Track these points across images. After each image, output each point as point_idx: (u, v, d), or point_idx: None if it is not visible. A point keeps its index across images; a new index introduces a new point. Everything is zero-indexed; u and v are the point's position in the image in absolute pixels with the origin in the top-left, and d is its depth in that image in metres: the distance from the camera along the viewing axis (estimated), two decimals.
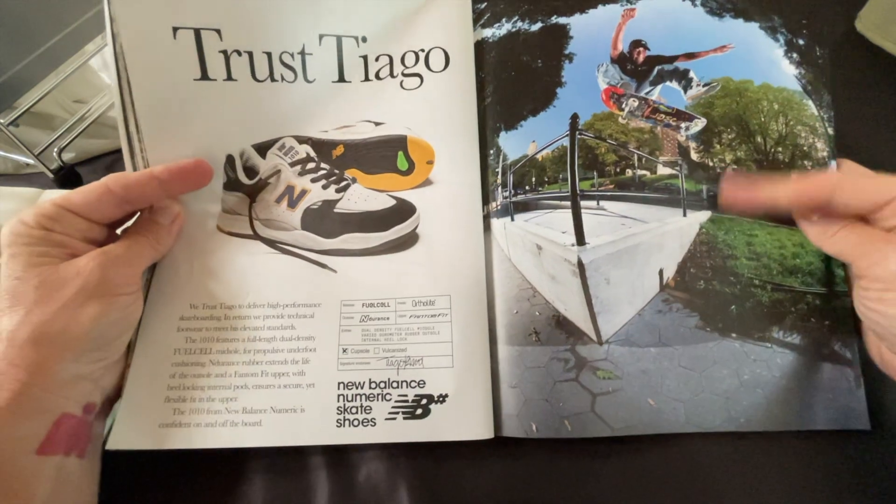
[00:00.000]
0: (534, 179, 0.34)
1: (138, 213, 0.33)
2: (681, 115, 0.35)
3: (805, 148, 0.34)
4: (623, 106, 0.35)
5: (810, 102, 0.34)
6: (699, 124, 0.35)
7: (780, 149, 0.34)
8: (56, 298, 0.26)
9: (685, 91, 0.35)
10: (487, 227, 0.33)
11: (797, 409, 0.30)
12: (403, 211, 0.34)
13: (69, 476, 0.27)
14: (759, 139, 0.34)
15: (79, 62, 0.42)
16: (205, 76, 0.34)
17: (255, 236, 0.34)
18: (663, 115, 0.35)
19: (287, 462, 0.31)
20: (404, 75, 0.36)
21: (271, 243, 0.34)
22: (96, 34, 0.43)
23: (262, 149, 0.35)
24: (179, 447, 0.29)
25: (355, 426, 0.29)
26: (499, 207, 0.33)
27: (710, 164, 0.34)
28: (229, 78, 0.34)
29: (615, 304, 0.32)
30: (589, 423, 0.30)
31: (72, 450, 0.27)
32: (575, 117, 0.34)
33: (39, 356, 0.25)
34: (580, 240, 0.32)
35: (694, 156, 0.34)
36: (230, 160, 0.35)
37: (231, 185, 0.35)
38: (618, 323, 0.32)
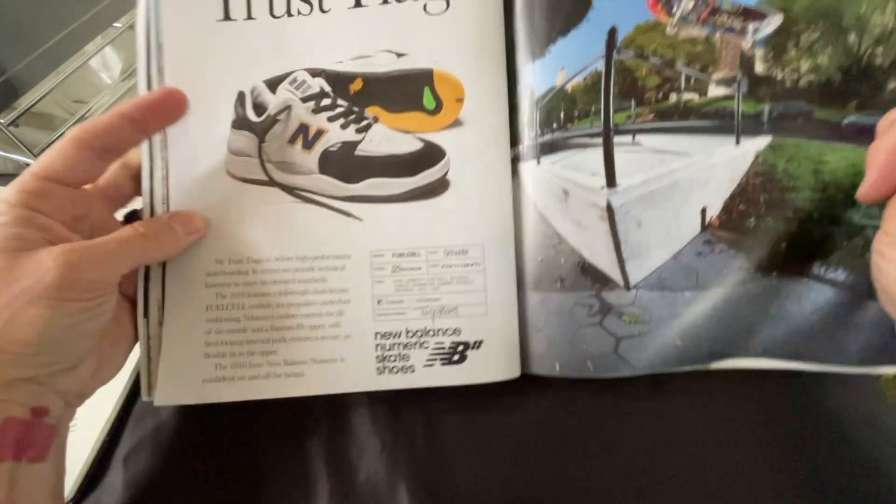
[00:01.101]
0: (562, 115, 0.31)
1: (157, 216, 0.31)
2: (749, 14, 0.28)
3: None
4: (674, 10, 0.29)
5: None
6: (773, 23, 0.28)
7: (879, 49, 0.27)
8: (3, 293, 0.24)
9: None
10: (515, 172, 0.32)
11: (826, 346, 0.29)
12: (432, 155, 0.32)
13: (24, 482, 0.25)
14: (851, 38, 0.28)
15: (79, 62, 0.42)
16: (227, 17, 0.33)
17: (271, 182, 0.33)
18: (726, 17, 0.29)
19: (287, 461, 0.32)
20: None
21: (289, 190, 0.33)
22: (96, 34, 0.42)
23: (274, 84, 0.33)
24: (226, 400, 0.32)
25: (395, 373, 0.32)
26: (526, 149, 0.31)
27: (779, 76, 0.28)
28: (249, 17, 0.33)
29: (646, 248, 0.30)
30: (611, 364, 0.31)
31: (23, 454, 0.25)
32: (613, 32, 0.29)
33: None
34: (611, 181, 0.30)
35: (759, 67, 0.29)
36: (241, 97, 0.33)
37: (239, 123, 0.33)
38: (648, 268, 0.30)
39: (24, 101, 0.41)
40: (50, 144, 0.43)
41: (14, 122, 0.41)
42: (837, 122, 0.28)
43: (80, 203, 0.28)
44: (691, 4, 0.29)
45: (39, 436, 0.26)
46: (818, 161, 0.28)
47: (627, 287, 0.31)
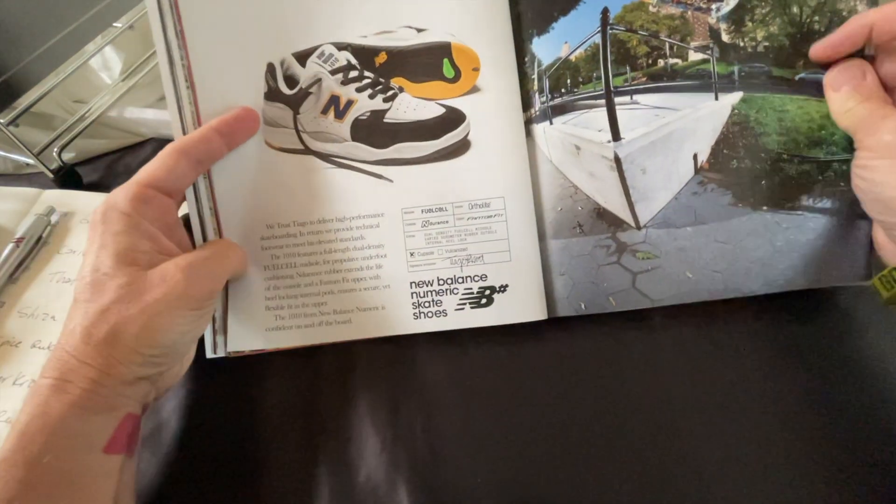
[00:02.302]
0: (569, 81, 0.35)
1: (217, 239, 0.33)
2: None
3: (844, 13, 0.34)
4: None
5: None
6: (730, 3, 0.35)
7: (816, 17, 0.34)
8: (136, 302, 0.26)
9: None
10: (528, 133, 0.36)
11: (836, 266, 0.33)
12: (453, 119, 0.35)
13: (126, 476, 0.27)
14: (794, 9, 0.34)
15: (79, 62, 0.42)
16: None
17: (307, 150, 0.35)
18: None
19: (287, 462, 0.33)
20: None
21: (325, 157, 0.36)
22: (96, 34, 0.43)
23: (302, 58, 0.35)
24: (287, 346, 0.34)
25: (429, 317, 0.34)
26: (537, 113, 0.35)
27: (742, 44, 0.35)
28: None
29: (652, 191, 0.34)
30: (631, 298, 0.34)
31: (130, 450, 0.27)
32: (605, 12, 0.35)
33: (110, 357, 0.25)
34: (615, 135, 0.35)
35: (725, 37, 0.35)
36: (271, 69, 0.35)
37: (272, 95, 0.35)
38: (655, 208, 0.34)
39: (24, 101, 0.41)
40: (50, 144, 0.42)
41: (14, 122, 0.41)
42: (791, 78, 0.34)
43: (171, 211, 0.30)
44: None
45: (138, 433, 0.28)
46: (780, 110, 0.34)
47: (638, 227, 0.34)
